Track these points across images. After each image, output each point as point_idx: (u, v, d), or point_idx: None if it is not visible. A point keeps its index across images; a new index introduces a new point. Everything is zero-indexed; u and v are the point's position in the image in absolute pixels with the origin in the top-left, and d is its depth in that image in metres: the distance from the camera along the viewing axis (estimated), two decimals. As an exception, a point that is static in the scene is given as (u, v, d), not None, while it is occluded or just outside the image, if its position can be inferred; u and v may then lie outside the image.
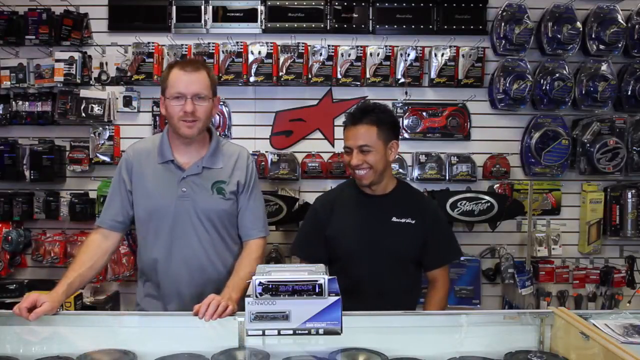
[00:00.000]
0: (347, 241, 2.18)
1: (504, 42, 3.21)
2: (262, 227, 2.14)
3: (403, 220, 2.18)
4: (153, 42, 3.17)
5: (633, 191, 3.30)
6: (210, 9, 3.22)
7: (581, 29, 3.19)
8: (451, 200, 3.07)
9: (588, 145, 3.24)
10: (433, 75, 3.23)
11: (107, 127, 3.21)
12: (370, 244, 2.15)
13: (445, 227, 2.35)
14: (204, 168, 2.05)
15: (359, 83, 3.22)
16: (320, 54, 3.18)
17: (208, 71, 2.05)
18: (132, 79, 3.16)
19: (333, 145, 3.30)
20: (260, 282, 1.31)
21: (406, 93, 3.28)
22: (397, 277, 2.17)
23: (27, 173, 3.19)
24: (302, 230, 2.41)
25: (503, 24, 3.19)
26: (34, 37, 3.15)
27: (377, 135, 2.12)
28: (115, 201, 2.08)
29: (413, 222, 2.18)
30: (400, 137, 3.24)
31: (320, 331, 1.32)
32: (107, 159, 3.19)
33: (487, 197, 3.09)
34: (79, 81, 3.16)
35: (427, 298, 2.27)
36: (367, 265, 2.15)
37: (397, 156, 3.23)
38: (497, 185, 3.28)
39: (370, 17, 3.26)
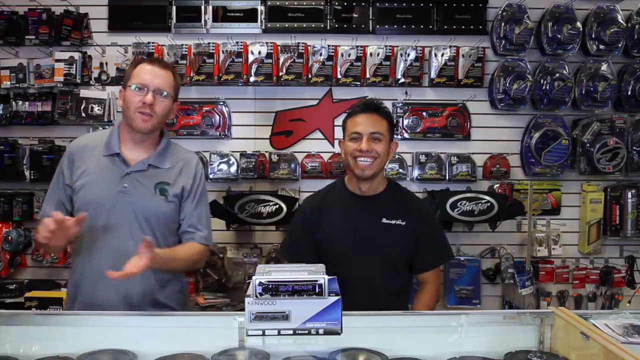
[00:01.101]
0: (337, 244, 2.14)
1: (504, 42, 3.21)
2: (206, 234, 2.08)
3: (393, 222, 2.14)
4: (153, 42, 3.17)
5: (633, 191, 3.31)
6: (210, 9, 3.22)
7: (581, 29, 3.19)
8: (451, 200, 3.07)
9: (588, 145, 3.25)
10: (433, 75, 3.23)
11: (107, 127, 3.21)
12: (361, 246, 2.12)
13: (436, 228, 2.30)
14: (149, 166, 2.00)
15: (359, 83, 3.22)
16: (320, 54, 3.18)
17: (175, 74, 2.03)
18: (132, 79, 3.16)
19: (333, 145, 3.30)
20: (260, 282, 1.31)
21: (406, 93, 3.28)
22: (388, 279, 2.14)
23: (27, 173, 3.20)
24: (290, 234, 2.35)
25: (503, 24, 3.19)
26: (34, 37, 3.15)
27: (387, 128, 2.12)
28: (53, 195, 2.03)
29: (403, 223, 2.14)
30: (400, 137, 3.29)
31: (320, 331, 1.32)
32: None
33: (487, 197, 3.09)
34: (79, 81, 3.17)
35: (416, 299, 2.24)
36: (358, 267, 2.11)
37: (397, 156, 3.25)
38: (497, 185, 3.29)
39: (370, 17, 3.26)
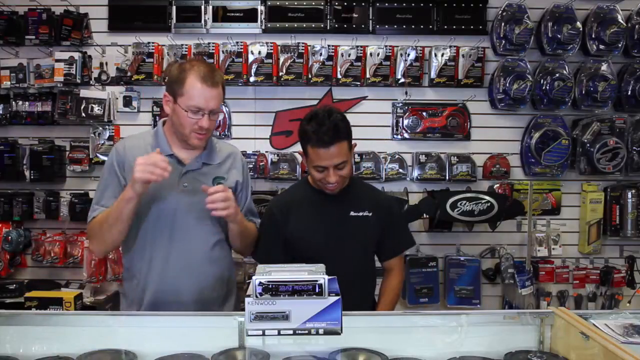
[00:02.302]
0: (308, 240, 2.16)
1: (504, 42, 3.21)
2: (259, 222, 2.23)
3: (360, 214, 2.19)
4: (153, 42, 3.17)
5: (633, 191, 3.31)
6: (210, 9, 3.22)
7: (581, 29, 3.19)
8: (451, 200, 3.07)
9: (588, 145, 3.24)
10: (433, 75, 3.23)
11: (107, 127, 3.21)
12: (332, 240, 2.15)
13: (399, 217, 2.40)
14: (203, 164, 2.05)
15: (359, 83, 3.22)
16: (320, 54, 3.18)
17: (223, 82, 2.01)
18: (132, 79, 3.16)
19: (333, 145, 3.29)
20: (260, 282, 1.31)
21: (406, 93, 3.28)
22: (359, 271, 2.19)
23: (27, 173, 3.20)
24: (261, 237, 2.30)
25: (503, 24, 3.19)
26: (34, 37, 3.15)
27: (347, 147, 2.09)
28: (110, 190, 1.99)
29: (370, 214, 2.19)
30: (400, 137, 3.29)
31: (320, 331, 1.32)
32: (107, 159, 3.18)
33: (487, 197, 3.09)
34: (79, 81, 3.17)
35: (383, 285, 2.30)
36: (331, 261, 2.10)
37: (397, 156, 3.25)
38: (497, 185, 3.29)
39: (370, 17, 3.26)
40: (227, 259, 2.14)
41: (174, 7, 3.21)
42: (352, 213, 2.19)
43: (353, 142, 2.15)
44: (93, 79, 3.23)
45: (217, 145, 2.15)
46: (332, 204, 2.19)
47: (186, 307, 1.95)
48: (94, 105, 3.17)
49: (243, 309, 1.35)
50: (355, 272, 2.15)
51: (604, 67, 3.25)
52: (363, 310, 1.92)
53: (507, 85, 3.17)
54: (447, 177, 3.25)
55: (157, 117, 3.23)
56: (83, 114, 3.16)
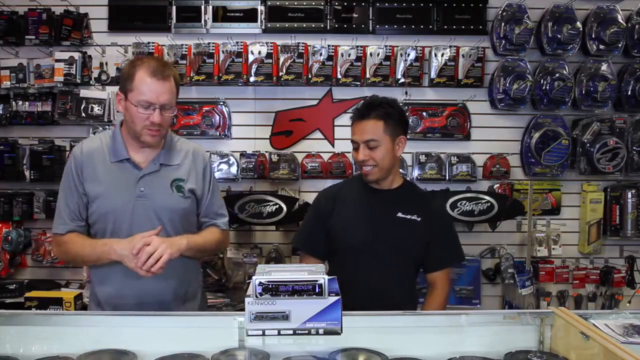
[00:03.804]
0: (350, 233, 2.13)
1: (504, 42, 3.21)
2: (225, 220, 2.14)
3: (409, 217, 2.14)
4: (153, 42, 3.17)
5: (633, 191, 3.31)
6: (210, 9, 3.22)
7: (581, 29, 3.19)
8: (451, 200, 3.07)
9: (588, 145, 3.25)
10: (433, 75, 3.23)
11: (107, 127, 3.21)
12: (373, 238, 2.11)
13: (450, 229, 2.29)
14: (161, 165, 1.98)
15: (359, 83, 3.22)
16: (320, 54, 3.18)
17: (175, 76, 1.95)
18: (132, 79, 3.16)
19: (333, 145, 3.30)
20: (260, 282, 1.31)
21: (406, 93, 3.28)
22: (396, 274, 2.13)
23: (27, 173, 3.20)
24: (304, 222, 2.38)
25: (503, 24, 3.19)
26: (34, 37, 3.15)
27: (384, 129, 2.08)
28: (67, 206, 1.97)
29: (419, 219, 2.14)
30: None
31: (320, 331, 1.32)
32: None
33: (487, 197, 3.09)
34: (79, 81, 3.17)
35: (426, 302, 2.23)
36: (367, 259, 2.11)
37: (397, 156, 3.25)
38: (497, 185, 3.29)
39: (370, 17, 3.26)
40: (188, 262, 2.04)
41: (174, 7, 3.21)
42: (399, 214, 2.14)
43: (401, 137, 2.14)
44: (93, 79, 3.23)
45: (177, 144, 2.07)
46: (380, 202, 2.16)
47: (144, 308, 1.89)
48: (94, 105, 3.17)
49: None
50: (389, 275, 2.11)
51: (604, 67, 3.25)
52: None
53: (507, 85, 3.17)
54: (447, 177, 3.25)
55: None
56: (83, 114, 3.16)
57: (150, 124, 1.88)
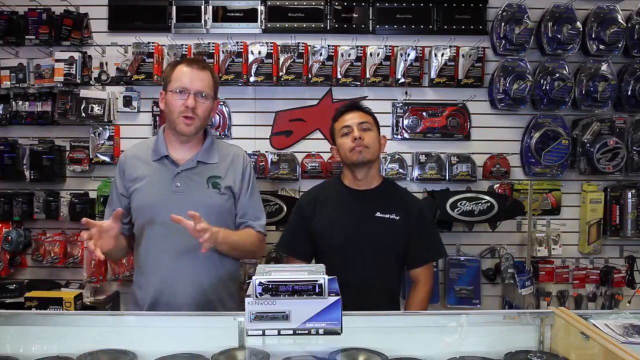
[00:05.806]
0: (330, 235, 2.19)
1: (504, 42, 3.21)
2: (263, 223, 2.17)
3: (387, 216, 2.19)
4: (153, 42, 3.17)
5: (633, 191, 3.30)
6: (210, 9, 3.22)
7: (581, 29, 3.19)
8: (451, 200, 3.07)
9: (588, 145, 3.24)
10: (433, 75, 3.23)
11: (107, 127, 3.21)
12: (353, 238, 2.16)
13: (430, 225, 2.36)
14: (198, 162, 2.04)
15: (359, 83, 3.22)
16: (320, 54, 3.18)
17: (212, 72, 2.07)
18: (132, 79, 3.16)
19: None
20: (260, 282, 1.31)
21: (406, 93, 3.28)
22: (379, 273, 2.18)
23: (27, 173, 3.19)
24: (287, 226, 2.43)
25: (503, 24, 3.19)
26: (34, 37, 3.15)
27: (373, 121, 2.28)
28: (110, 208, 2.10)
29: (397, 218, 2.19)
30: (400, 137, 3.28)
31: (320, 331, 1.32)
32: (107, 159, 3.19)
33: (487, 197, 3.09)
34: (79, 81, 3.16)
35: (409, 298, 2.29)
36: (350, 259, 2.16)
37: (397, 156, 3.25)
38: (497, 185, 3.28)
39: (370, 17, 3.26)
40: (227, 260, 2.11)
41: (174, 7, 3.21)
42: (378, 214, 2.19)
43: (383, 135, 2.31)
44: (93, 79, 3.23)
45: (218, 145, 2.15)
46: (359, 202, 2.21)
47: (183, 309, 1.95)
48: (94, 105, 3.17)
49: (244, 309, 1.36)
50: (372, 273, 2.15)
51: (604, 67, 3.25)
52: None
53: (507, 85, 3.17)
54: (447, 177, 3.25)
55: (157, 117, 3.23)
56: (83, 114, 3.15)
57: (184, 109, 1.95)
